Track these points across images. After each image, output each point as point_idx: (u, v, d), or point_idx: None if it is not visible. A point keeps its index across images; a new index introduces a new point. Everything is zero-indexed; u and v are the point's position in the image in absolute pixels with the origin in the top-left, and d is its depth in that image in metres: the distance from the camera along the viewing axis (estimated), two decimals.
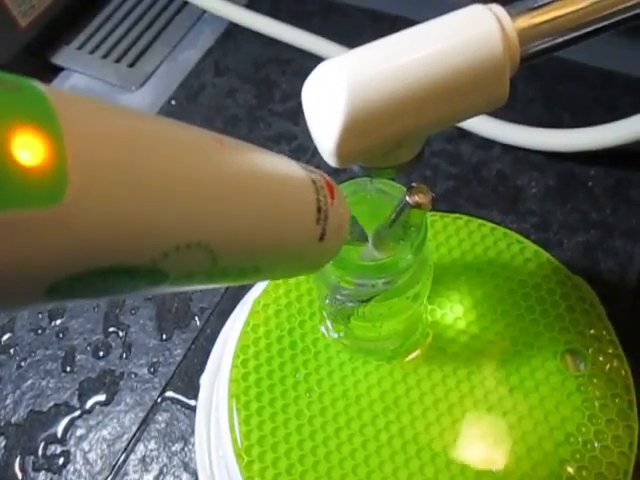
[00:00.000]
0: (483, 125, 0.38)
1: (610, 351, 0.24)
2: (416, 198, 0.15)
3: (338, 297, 0.20)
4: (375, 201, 0.18)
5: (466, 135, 0.39)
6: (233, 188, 0.11)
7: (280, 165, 0.13)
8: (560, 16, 0.13)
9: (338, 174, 0.14)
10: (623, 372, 0.23)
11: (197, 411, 0.30)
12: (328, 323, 0.25)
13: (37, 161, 0.08)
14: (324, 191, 0.14)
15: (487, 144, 0.39)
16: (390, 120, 0.13)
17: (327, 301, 0.22)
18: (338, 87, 0.13)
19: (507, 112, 0.39)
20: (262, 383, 0.24)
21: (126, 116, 0.10)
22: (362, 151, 0.14)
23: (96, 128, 0.09)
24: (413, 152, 0.15)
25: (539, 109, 0.41)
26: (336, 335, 0.25)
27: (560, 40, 0.14)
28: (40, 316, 0.36)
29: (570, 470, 0.22)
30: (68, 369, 0.34)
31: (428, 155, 0.39)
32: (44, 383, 0.34)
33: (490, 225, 0.27)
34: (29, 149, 0.08)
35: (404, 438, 0.23)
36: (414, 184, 0.15)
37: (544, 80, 0.42)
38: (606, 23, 0.14)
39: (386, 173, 0.15)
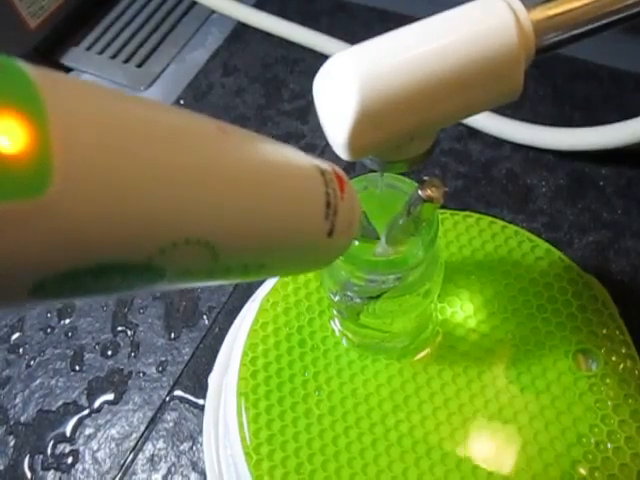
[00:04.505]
0: (493, 124, 0.38)
1: (623, 351, 0.23)
2: (428, 192, 0.15)
3: (348, 294, 0.20)
4: (386, 196, 0.18)
5: (475, 134, 0.39)
6: (235, 180, 0.11)
7: (287, 156, 0.12)
8: (576, 7, 0.13)
9: (349, 170, 0.14)
10: (636, 372, 0.23)
11: (205, 410, 0.30)
12: (337, 321, 0.25)
13: (17, 148, 0.07)
14: (334, 184, 0.13)
15: (497, 143, 0.39)
16: (402, 112, 0.13)
17: (337, 298, 0.22)
18: (350, 79, 0.13)
19: (517, 111, 0.39)
20: (271, 381, 0.24)
21: (119, 100, 0.09)
22: (374, 144, 0.14)
23: (86, 112, 0.08)
24: (425, 145, 0.15)
25: (549, 108, 0.40)
26: (346, 333, 0.24)
27: (576, 32, 0.14)
28: (49, 315, 0.36)
29: (582, 471, 0.21)
30: (77, 368, 0.34)
31: (437, 154, 0.39)
32: (53, 382, 0.34)
33: (501, 223, 0.27)
34: (8, 134, 0.07)
35: (414, 437, 0.22)
36: (426, 178, 0.15)
37: (554, 79, 0.42)
38: (622, 15, 0.14)
39: (398, 167, 0.15)
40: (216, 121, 0.11)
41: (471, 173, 0.38)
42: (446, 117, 0.14)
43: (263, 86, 0.44)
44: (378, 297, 0.19)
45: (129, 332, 0.35)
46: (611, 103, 0.40)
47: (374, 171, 0.17)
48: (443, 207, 0.28)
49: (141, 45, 0.47)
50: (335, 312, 0.24)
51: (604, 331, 0.24)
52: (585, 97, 0.40)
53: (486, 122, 0.38)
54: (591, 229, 0.35)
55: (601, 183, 0.37)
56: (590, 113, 0.40)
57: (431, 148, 0.15)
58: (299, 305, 0.25)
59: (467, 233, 0.26)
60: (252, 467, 0.22)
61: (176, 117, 0.10)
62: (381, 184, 0.18)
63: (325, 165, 0.13)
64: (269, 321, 0.25)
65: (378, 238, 0.17)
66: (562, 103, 0.40)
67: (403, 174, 0.17)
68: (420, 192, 0.15)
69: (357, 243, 0.17)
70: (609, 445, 0.22)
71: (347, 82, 0.13)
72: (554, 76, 0.42)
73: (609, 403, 0.22)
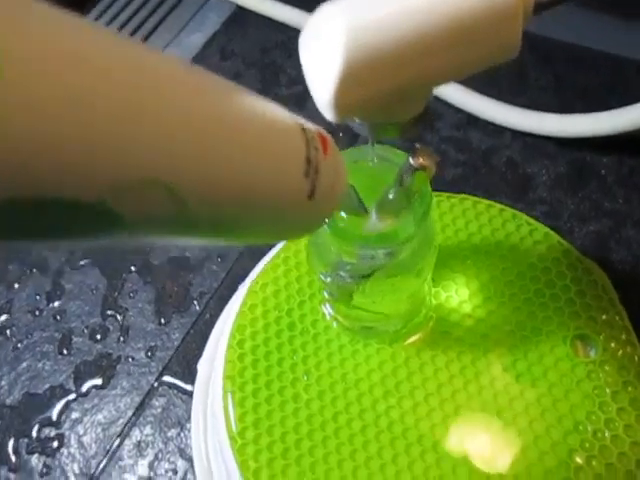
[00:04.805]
0: (493, 111, 0.37)
1: (623, 337, 0.23)
2: (420, 160, 0.14)
3: (340, 273, 0.20)
4: (378, 170, 0.17)
5: (475, 122, 0.38)
6: (199, 119, 0.10)
7: (264, 104, 0.12)
8: None
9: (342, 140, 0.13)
10: (636, 359, 0.22)
11: (194, 396, 0.29)
12: (328, 305, 0.24)
13: None
14: (315, 142, 0.12)
15: (497, 131, 0.38)
16: (391, 68, 0.12)
17: (328, 279, 0.21)
18: (336, 32, 0.12)
19: (517, 100, 0.38)
20: (258, 365, 0.23)
21: (78, 21, 0.08)
22: (361, 102, 0.13)
23: (38, 20, 0.07)
24: (417, 108, 0.14)
25: (551, 97, 0.40)
26: (337, 316, 0.24)
27: None
28: (38, 298, 0.36)
29: (579, 460, 0.21)
30: (65, 352, 0.34)
31: (436, 141, 0.38)
32: (40, 365, 0.34)
33: (499, 206, 0.26)
34: None
35: (405, 424, 0.22)
36: (418, 145, 0.14)
37: (556, 67, 0.41)
38: None
39: (389, 131, 0.14)
40: (185, 60, 0.10)
41: (470, 161, 0.37)
42: (437, 74, 0.13)
43: (260, 71, 0.43)
44: (370, 275, 0.18)
45: (119, 316, 0.35)
46: (614, 91, 0.39)
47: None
48: (439, 190, 0.27)
49: (138, 28, 0.47)
50: (326, 295, 0.24)
51: (603, 317, 0.23)
52: (587, 85, 0.40)
53: (486, 109, 0.37)
54: (592, 218, 0.34)
55: (602, 172, 0.36)
56: (592, 101, 0.39)
57: (424, 112, 0.14)
58: (289, 287, 0.24)
59: (463, 216, 0.26)
60: (236, 451, 0.21)
61: (145, 47, 0.09)
62: (372, 155, 0.17)
63: (308, 124, 0.13)
64: (258, 303, 0.24)
65: (367, 212, 0.16)
66: (564, 92, 0.40)
67: (395, 144, 0.17)
68: (411, 160, 0.14)
69: (344, 216, 0.17)
70: (607, 433, 0.21)
71: (332, 35, 0.12)
72: (555, 64, 0.41)
73: (607, 390, 0.22)
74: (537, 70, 0.41)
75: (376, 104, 0.13)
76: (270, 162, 0.11)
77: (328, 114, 0.13)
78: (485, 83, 0.39)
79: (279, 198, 0.12)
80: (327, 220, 0.15)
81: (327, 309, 0.24)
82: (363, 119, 0.14)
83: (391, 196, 0.16)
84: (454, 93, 0.38)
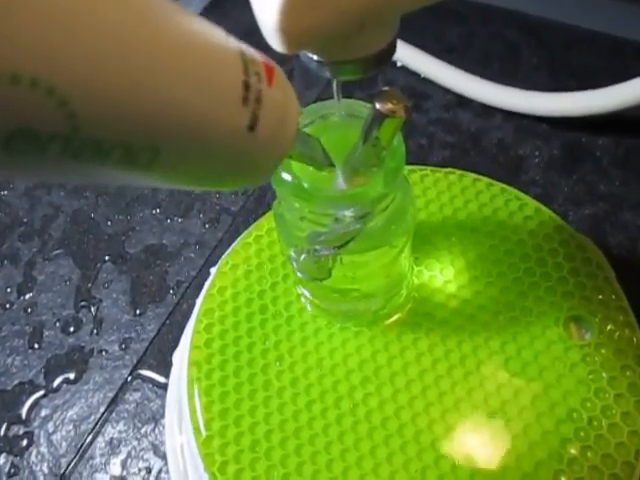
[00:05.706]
0: (483, 91, 0.36)
1: (620, 318, 0.21)
2: (388, 105, 0.12)
3: (316, 247, 0.18)
4: (346, 127, 0.16)
5: (465, 103, 0.37)
6: (95, 14, 0.08)
7: (193, 20, 0.10)
8: None
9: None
10: (635, 341, 0.20)
11: (168, 389, 0.28)
12: (303, 287, 0.22)
13: None
14: (257, 67, 0.11)
15: (487, 112, 0.37)
16: None
17: (303, 256, 0.19)
18: None
19: (510, 81, 0.36)
20: (227, 350, 0.21)
21: None
22: (313, 29, 0.11)
23: None
24: (381, 40, 0.12)
25: (544, 78, 0.38)
26: (313, 300, 0.22)
27: None
28: (8, 290, 0.34)
29: (573, 451, 0.19)
30: (35, 346, 0.32)
31: (424, 123, 0.37)
32: (9, 361, 0.32)
33: (486, 180, 0.24)
34: None
35: (384, 413, 0.20)
36: (385, 88, 0.12)
37: (550, 47, 0.40)
38: None
39: (349, 70, 0.13)
40: None
41: (460, 143, 0.36)
42: None
43: None
44: (345, 245, 0.17)
45: (92, 308, 0.33)
46: (610, 72, 0.38)
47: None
48: (424, 164, 0.26)
49: None
50: (301, 276, 0.22)
51: (599, 296, 0.21)
52: (582, 66, 0.38)
53: (476, 89, 0.36)
54: (587, 201, 0.33)
55: (597, 153, 0.35)
56: (588, 83, 0.37)
57: (390, 48, 0.13)
58: (261, 268, 0.23)
59: (449, 191, 0.24)
60: (201, 444, 0.19)
61: None
62: (340, 111, 0.15)
63: (251, 50, 0.11)
64: (227, 285, 0.22)
65: (332, 165, 0.14)
66: (558, 73, 0.38)
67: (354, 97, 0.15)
68: (378, 105, 0.12)
69: (310, 174, 0.15)
70: (603, 422, 0.19)
71: None
72: (549, 45, 0.40)
73: (604, 375, 0.20)
74: (531, 50, 0.39)
75: (332, 31, 0.11)
76: (196, 81, 0.10)
77: (277, 44, 0.12)
78: (476, 64, 0.38)
79: (210, 126, 0.10)
80: (288, 171, 0.13)
81: (302, 290, 0.22)
82: (319, 53, 0.13)
83: (358, 152, 0.14)
84: (443, 73, 0.37)
